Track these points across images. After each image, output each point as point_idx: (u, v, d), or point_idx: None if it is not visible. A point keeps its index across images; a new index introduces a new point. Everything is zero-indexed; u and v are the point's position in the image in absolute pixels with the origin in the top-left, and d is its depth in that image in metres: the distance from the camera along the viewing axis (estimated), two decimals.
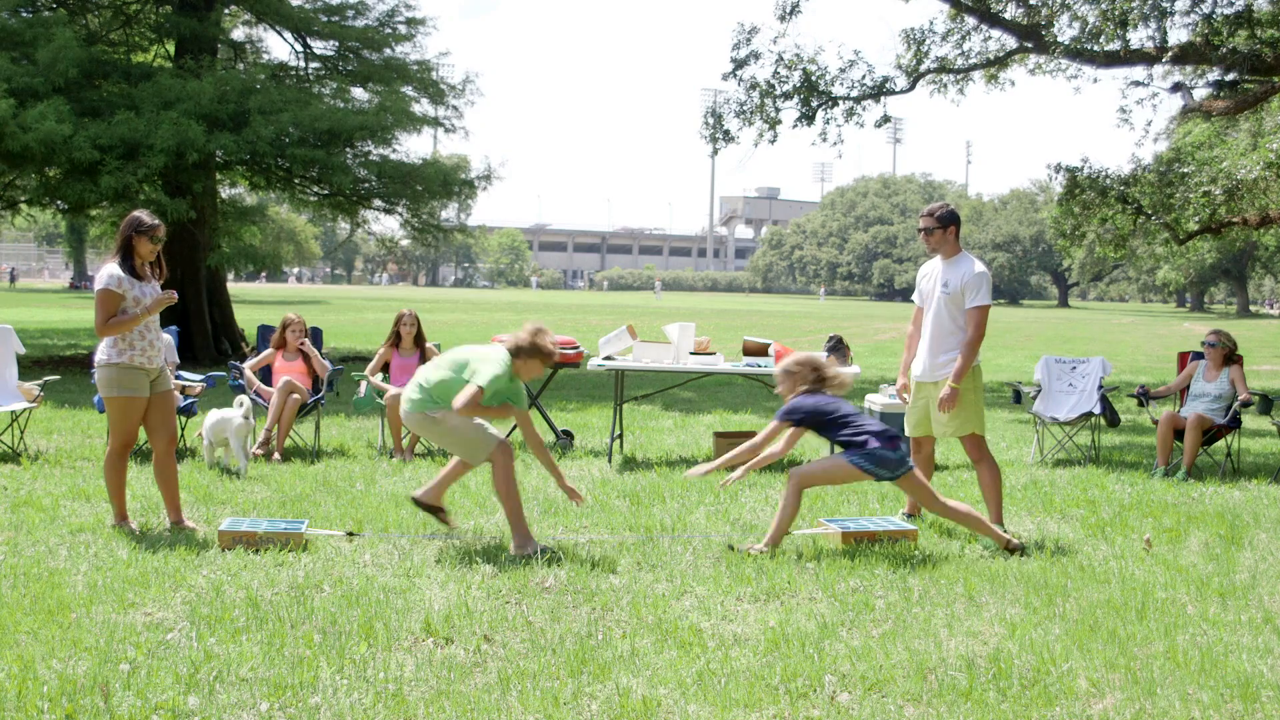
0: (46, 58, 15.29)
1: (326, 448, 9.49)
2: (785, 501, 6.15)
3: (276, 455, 8.80)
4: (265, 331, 10.17)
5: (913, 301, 7.13)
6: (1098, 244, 18.39)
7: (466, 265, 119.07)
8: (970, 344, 6.58)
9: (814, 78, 16.97)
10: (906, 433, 7.02)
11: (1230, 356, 9.33)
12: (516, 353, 6.12)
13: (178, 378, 8.97)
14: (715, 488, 7.87)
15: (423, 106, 20.00)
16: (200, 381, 9.23)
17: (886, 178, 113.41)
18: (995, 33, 16.90)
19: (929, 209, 6.83)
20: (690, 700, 3.97)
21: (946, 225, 6.73)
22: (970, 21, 16.78)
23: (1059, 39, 15.56)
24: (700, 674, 4.20)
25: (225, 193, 22.45)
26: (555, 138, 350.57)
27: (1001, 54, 17.08)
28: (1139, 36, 15.95)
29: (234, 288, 26.30)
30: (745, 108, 17.34)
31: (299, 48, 19.81)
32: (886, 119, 17.93)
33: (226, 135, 15.78)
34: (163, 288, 6.51)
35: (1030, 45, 16.38)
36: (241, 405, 8.24)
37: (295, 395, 9.03)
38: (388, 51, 19.58)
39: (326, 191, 19.35)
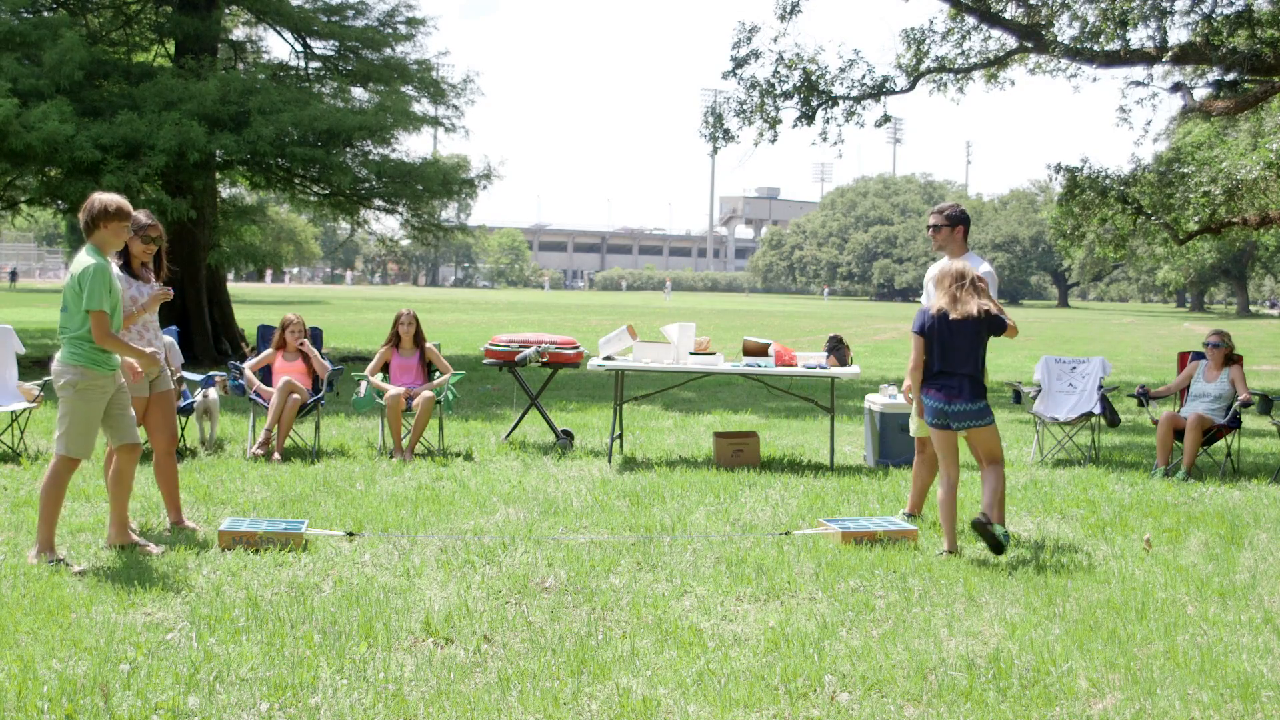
0: (52, 59, 15.30)
1: (326, 448, 9.49)
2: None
3: (276, 455, 8.80)
4: (265, 331, 10.16)
5: (919, 303, 7.15)
6: (1098, 244, 18.38)
7: (466, 265, 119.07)
8: None
9: (814, 77, 16.98)
10: (911, 433, 7.05)
11: (1230, 356, 9.32)
12: (88, 234, 5.60)
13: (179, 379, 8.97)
14: (715, 487, 7.88)
15: (423, 106, 20.02)
16: (199, 383, 9.22)
17: (886, 178, 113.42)
18: (995, 32, 16.91)
19: (939, 207, 6.91)
20: (690, 700, 3.97)
21: (954, 224, 6.78)
22: (970, 21, 16.79)
23: (1059, 39, 15.57)
24: (700, 674, 4.20)
25: (225, 192, 22.45)
26: (555, 138, 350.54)
27: (1001, 54, 17.08)
28: (1139, 36, 15.96)
29: (234, 288, 26.28)
30: (745, 107, 17.35)
31: (299, 47, 19.81)
32: (886, 119, 17.95)
33: (227, 135, 15.78)
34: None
35: (1030, 45, 16.39)
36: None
37: (295, 395, 9.03)
38: (388, 51, 19.58)
39: (326, 191, 19.35)
